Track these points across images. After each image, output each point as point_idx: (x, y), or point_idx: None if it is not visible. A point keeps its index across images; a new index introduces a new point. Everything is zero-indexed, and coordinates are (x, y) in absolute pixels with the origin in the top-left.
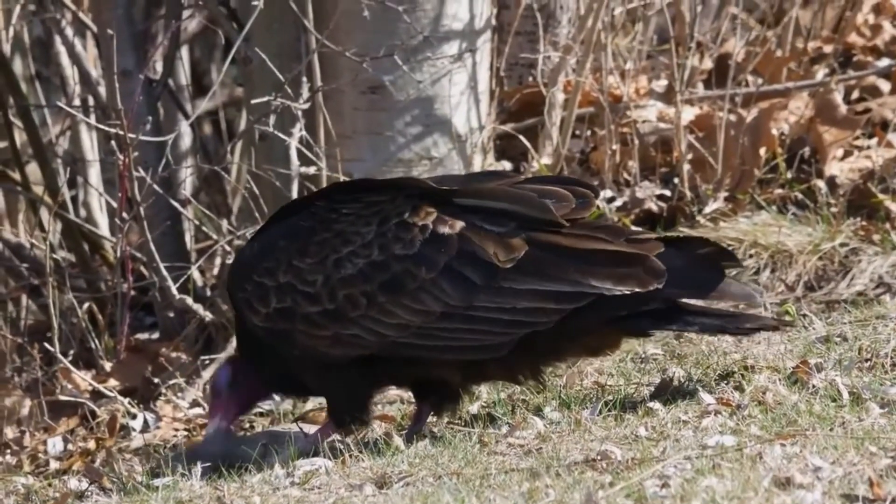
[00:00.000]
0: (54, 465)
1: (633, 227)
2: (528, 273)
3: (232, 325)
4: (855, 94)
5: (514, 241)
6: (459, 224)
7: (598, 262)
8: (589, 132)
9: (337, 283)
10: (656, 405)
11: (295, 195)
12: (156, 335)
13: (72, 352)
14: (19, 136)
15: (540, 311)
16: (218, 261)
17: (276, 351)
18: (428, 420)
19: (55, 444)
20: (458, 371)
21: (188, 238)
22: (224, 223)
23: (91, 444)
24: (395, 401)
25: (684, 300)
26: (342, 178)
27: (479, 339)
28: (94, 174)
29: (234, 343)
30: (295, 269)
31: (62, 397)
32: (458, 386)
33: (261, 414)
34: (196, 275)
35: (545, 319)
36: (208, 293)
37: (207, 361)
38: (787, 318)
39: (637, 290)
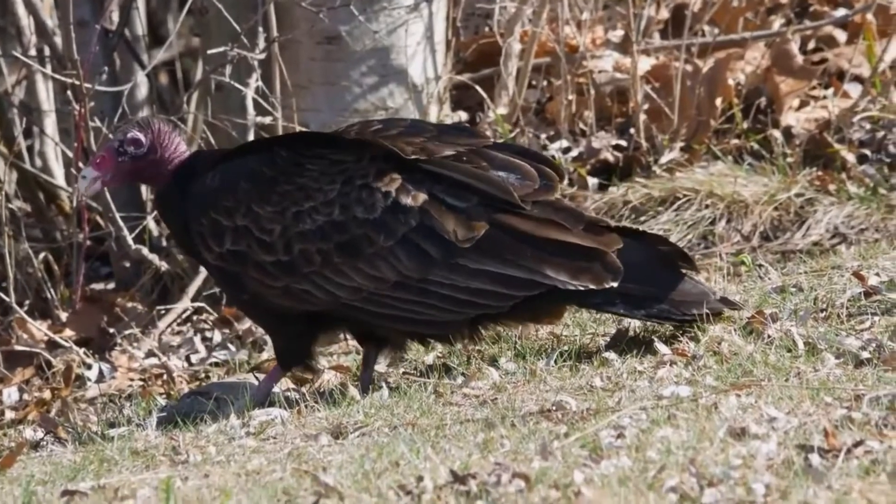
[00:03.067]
0: (10, 415)
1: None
2: (485, 254)
3: (186, 275)
4: (811, 45)
5: (474, 220)
6: (422, 196)
7: (555, 251)
8: (545, 82)
9: (294, 236)
10: (612, 355)
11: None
12: (111, 285)
13: (27, 302)
14: None
15: (493, 294)
16: None
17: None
18: (381, 370)
19: (10, 395)
20: (403, 336)
21: (144, 188)
22: None
23: (47, 394)
24: (350, 351)
25: None
26: (298, 128)
27: (431, 315)
28: (50, 124)
29: (189, 294)
30: (254, 214)
31: (18, 347)
32: (399, 345)
33: (216, 364)
34: (152, 225)
35: (498, 304)
36: (164, 243)
37: (163, 311)
38: (744, 268)
39: (591, 286)
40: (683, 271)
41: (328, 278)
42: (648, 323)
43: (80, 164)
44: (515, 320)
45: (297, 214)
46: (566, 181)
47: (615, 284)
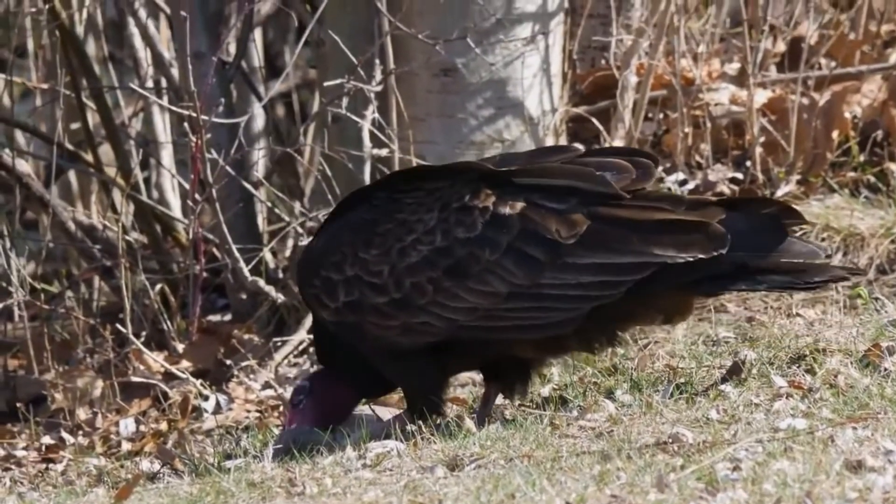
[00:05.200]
0: (126, 446)
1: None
2: (591, 247)
3: (304, 307)
4: None
5: (575, 216)
6: (520, 204)
7: (660, 230)
8: (661, 115)
9: (403, 272)
10: (728, 388)
11: (367, 177)
12: (228, 317)
13: (144, 333)
14: (92, 118)
15: (605, 284)
16: (290, 243)
17: (349, 346)
18: (497, 402)
19: (127, 426)
20: (532, 347)
21: (260, 220)
22: (296, 205)
23: (163, 426)
24: (466, 383)
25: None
26: (414, 161)
27: (548, 317)
28: (167, 156)
29: (305, 325)
30: (361, 261)
31: (134, 379)
32: (532, 362)
33: None
34: (268, 256)
35: (611, 292)
36: (280, 275)
37: (279, 343)
38: (860, 301)
39: (701, 256)
40: (791, 229)
41: (443, 305)
42: (763, 351)
43: (197, 196)
44: (643, 316)
45: (402, 250)
46: None
47: (724, 251)
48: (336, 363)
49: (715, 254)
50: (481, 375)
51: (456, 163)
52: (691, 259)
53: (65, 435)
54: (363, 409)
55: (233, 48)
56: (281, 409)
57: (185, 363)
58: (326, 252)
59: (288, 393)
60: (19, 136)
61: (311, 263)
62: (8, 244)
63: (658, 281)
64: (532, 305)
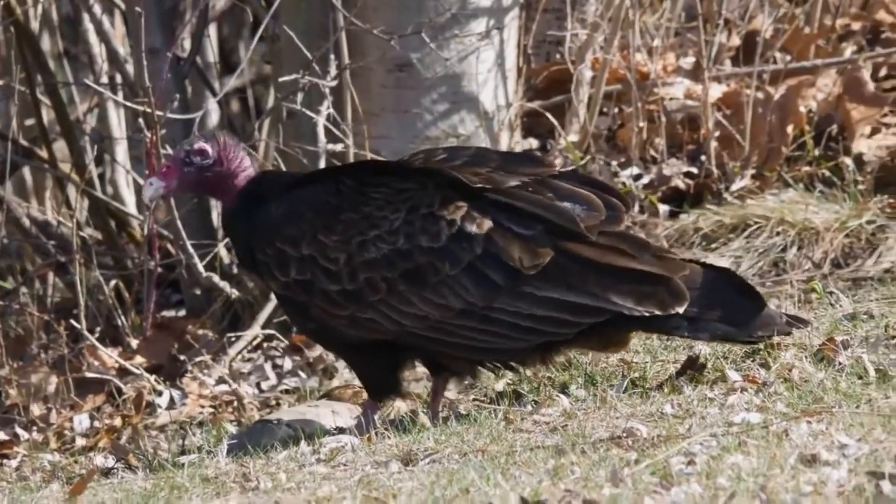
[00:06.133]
0: (80, 442)
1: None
2: (551, 281)
3: (257, 302)
4: (883, 72)
5: (539, 247)
6: (487, 223)
7: (621, 278)
8: (616, 109)
9: (359, 265)
10: (682, 382)
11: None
12: (182, 312)
13: (98, 329)
14: (47, 114)
15: (558, 321)
16: None
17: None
18: (451, 396)
19: (81, 421)
20: (466, 364)
21: (214, 215)
22: None
23: (117, 421)
24: (420, 378)
25: None
26: (369, 156)
27: (496, 342)
28: (122, 151)
29: (259, 321)
30: (319, 243)
31: (89, 374)
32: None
33: (286, 391)
34: (223, 252)
35: (565, 331)
36: (234, 270)
37: (234, 339)
38: (815, 295)
39: (657, 311)
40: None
41: (393, 307)
42: (717, 346)
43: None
44: (582, 347)
45: (362, 243)
46: (637, 208)
47: (681, 310)
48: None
49: (671, 311)
50: (425, 368)
51: (429, 166)
52: (647, 314)
53: (19, 431)
54: (319, 407)
55: (188, 44)
56: (234, 402)
57: (139, 359)
58: (284, 223)
59: (243, 388)
60: None
61: (268, 229)
62: None
63: (609, 325)
64: (483, 328)
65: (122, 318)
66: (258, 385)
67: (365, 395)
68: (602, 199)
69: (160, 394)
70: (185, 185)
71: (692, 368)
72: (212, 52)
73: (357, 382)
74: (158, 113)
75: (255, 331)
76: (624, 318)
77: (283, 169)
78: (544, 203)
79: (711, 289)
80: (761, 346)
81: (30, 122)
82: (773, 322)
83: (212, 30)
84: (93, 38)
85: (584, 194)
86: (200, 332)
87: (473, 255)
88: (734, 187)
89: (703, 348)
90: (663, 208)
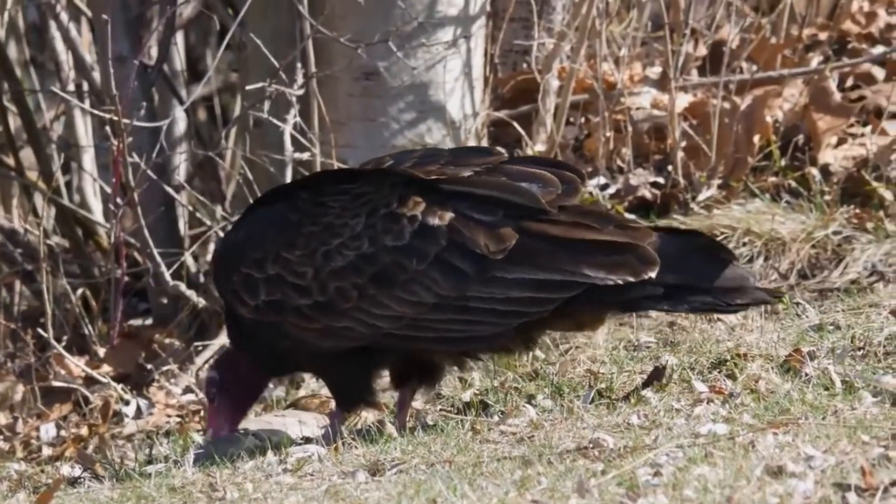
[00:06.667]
0: (47, 451)
1: (626, 215)
2: (519, 263)
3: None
4: (849, 82)
5: (504, 231)
6: (448, 215)
7: (590, 250)
8: (583, 119)
9: (327, 276)
10: (649, 393)
11: (289, 181)
12: (149, 321)
13: (65, 338)
14: (13, 121)
15: (533, 300)
16: (212, 247)
17: (265, 340)
18: (417, 406)
19: (48, 430)
20: (452, 357)
21: (182, 224)
22: (218, 209)
23: (84, 431)
24: (387, 388)
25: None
26: (336, 165)
27: (474, 330)
28: (89, 159)
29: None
30: (284, 260)
31: (55, 383)
32: (446, 367)
33: None
34: (190, 261)
35: (539, 309)
36: (202, 279)
37: (200, 347)
38: (781, 306)
39: (630, 279)
40: (720, 257)
41: (367, 311)
42: (683, 356)
43: (118, 200)
44: (560, 327)
45: (327, 253)
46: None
47: (653, 275)
48: (246, 345)
49: (644, 277)
50: (390, 379)
51: (382, 168)
52: (620, 282)
53: None
54: (286, 417)
55: (154, 51)
56: (202, 413)
57: (106, 368)
58: (247, 248)
59: None
60: None
61: (230, 259)
62: None
63: (584, 299)
64: (458, 318)
65: (89, 326)
66: None
67: (332, 405)
68: (556, 174)
69: (127, 403)
70: (230, 416)
71: (658, 379)
72: (179, 60)
73: (325, 392)
74: (125, 121)
75: (222, 340)
76: (598, 290)
77: (251, 178)
78: (502, 185)
79: (681, 253)
80: (728, 357)
81: None
82: (746, 284)
83: (179, 38)
84: (59, 45)
85: (537, 173)
86: (167, 341)
87: (439, 248)
88: (701, 197)
89: (669, 359)
90: (630, 218)
